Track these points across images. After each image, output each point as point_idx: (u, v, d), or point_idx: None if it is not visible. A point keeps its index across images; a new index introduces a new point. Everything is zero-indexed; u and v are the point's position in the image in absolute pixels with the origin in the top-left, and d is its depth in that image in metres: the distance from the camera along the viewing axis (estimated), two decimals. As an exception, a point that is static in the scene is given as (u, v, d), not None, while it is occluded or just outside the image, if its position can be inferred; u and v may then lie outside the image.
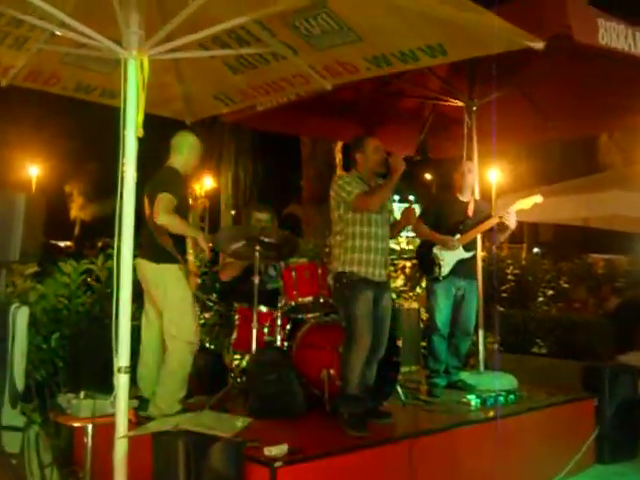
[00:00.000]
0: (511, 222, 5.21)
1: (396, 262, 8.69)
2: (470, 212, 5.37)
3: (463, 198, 5.44)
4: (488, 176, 12.91)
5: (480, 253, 5.68)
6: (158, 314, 4.28)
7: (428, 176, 32.82)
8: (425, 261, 5.41)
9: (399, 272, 8.43)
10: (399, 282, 8.24)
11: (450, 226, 5.32)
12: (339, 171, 11.41)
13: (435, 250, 5.32)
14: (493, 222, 5.26)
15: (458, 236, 5.28)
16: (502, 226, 5.26)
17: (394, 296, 7.81)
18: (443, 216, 5.39)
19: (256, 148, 21.35)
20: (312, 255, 6.87)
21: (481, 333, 5.57)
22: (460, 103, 5.91)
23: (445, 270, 5.27)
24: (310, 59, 3.94)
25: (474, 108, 5.77)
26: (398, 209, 4.59)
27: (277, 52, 3.94)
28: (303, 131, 8.54)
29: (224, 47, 3.95)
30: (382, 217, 4.38)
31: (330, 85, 4.12)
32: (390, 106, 6.59)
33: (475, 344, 5.65)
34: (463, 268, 5.32)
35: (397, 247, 9.65)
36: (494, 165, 11.46)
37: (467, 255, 5.33)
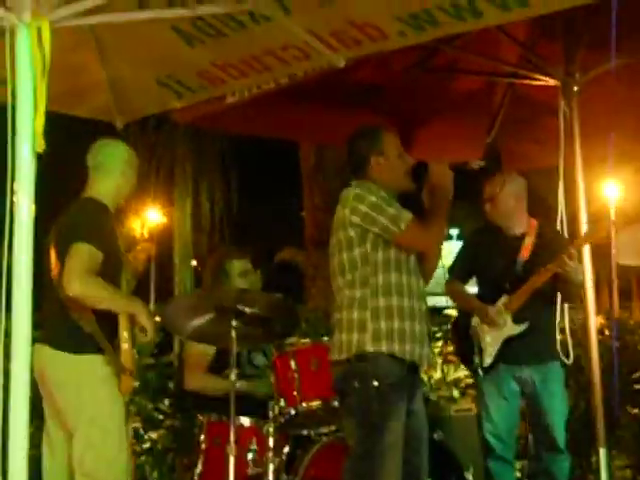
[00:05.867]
0: (571, 270, 5.06)
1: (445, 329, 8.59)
2: (525, 252, 5.31)
3: (511, 231, 5.39)
4: (601, 194, 12.87)
5: (593, 319, 5.61)
6: (67, 436, 4.24)
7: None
8: (461, 344, 5.45)
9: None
10: (463, 369, 8.15)
11: (493, 281, 5.31)
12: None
13: (474, 323, 5.31)
14: (550, 271, 5.12)
15: (504, 299, 5.22)
16: (563, 277, 5.13)
17: (456, 394, 7.74)
18: (483, 264, 5.39)
19: (228, 162, 21.36)
20: (320, 331, 6.82)
21: (603, 453, 5.46)
22: (552, 81, 5.91)
23: (488, 358, 5.24)
24: (311, 21, 3.97)
25: (575, 88, 5.75)
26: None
27: (257, 10, 3.95)
28: (301, 134, 8.48)
29: (171, 5, 3.97)
30: (413, 258, 4.33)
31: (343, 61, 4.15)
32: (439, 90, 6.62)
33: (591, 469, 5.55)
34: (521, 350, 5.24)
35: (444, 301, 9.57)
36: (610, 176, 11.43)
37: (519, 330, 5.23)
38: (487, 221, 5.47)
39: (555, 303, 5.38)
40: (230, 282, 5.38)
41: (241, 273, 5.46)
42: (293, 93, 5.48)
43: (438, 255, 4.39)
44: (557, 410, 5.30)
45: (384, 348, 4.11)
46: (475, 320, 5.30)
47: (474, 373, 5.35)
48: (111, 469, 4.15)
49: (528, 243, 5.34)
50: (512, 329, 5.23)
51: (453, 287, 5.45)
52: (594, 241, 5.22)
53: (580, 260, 5.16)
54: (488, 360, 5.24)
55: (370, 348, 4.12)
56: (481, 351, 5.24)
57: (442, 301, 8.83)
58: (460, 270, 5.45)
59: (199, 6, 3.97)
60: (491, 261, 5.37)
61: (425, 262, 4.35)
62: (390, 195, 4.32)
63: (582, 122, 5.73)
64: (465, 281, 5.45)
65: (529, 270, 5.23)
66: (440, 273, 4.72)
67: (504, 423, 5.27)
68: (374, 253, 4.18)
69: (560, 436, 5.28)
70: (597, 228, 5.21)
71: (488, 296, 5.28)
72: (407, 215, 4.16)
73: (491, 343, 5.23)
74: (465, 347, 5.37)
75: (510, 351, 5.23)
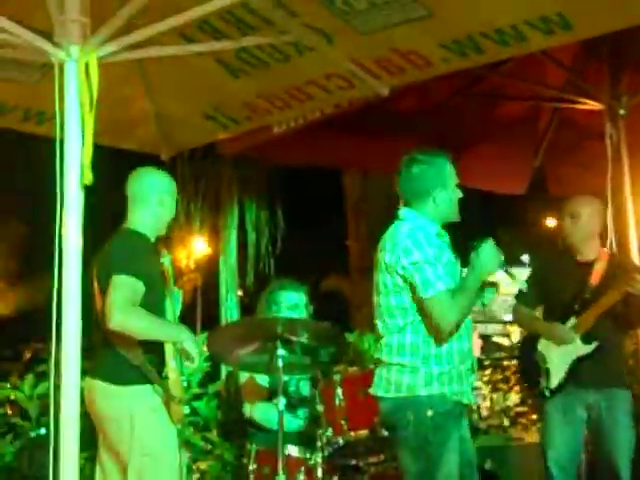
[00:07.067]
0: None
1: (506, 364, 8.60)
2: (595, 278, 5.24)
3: (583, 256, 5.33)
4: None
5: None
6: (121, 468, 4.24)
7: (551, 223, 32.56)
8: (526, 366, 5.37)
9: (512, 381, 8.32)
10: (513, 397, 8.12)
11: (562, 304, 5.23)
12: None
13: (540, 347, 5.24)
14: (620, 291, 5.00)
15: (573, 321, 5.16)
16: (634, 300, 5.01)
17: (506, 422, 7.70)
18: (552, 289, 5.31)
19: (274, 192, 21.26)
20: (367, 358, 6.80)
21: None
22: (598, 105, 5.90)
23: (555, 379, 5.16)
24: (354, 49, 3.99)
25: (621, 111, 5.73)
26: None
27: (301, 41, 3.99)
28: (345, 162, 8.54)
29: (217, 37, 4.02)
30: None
31: (387, 89, 4.16)
32: (483, 116, 6.63)
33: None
34: (589, 371, 5.10)
35: (506, 341, 9.54)
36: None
37: (588, 349, 5.14)
38: (560, 244, 5.39)
39: (622, 328, 5.34)
40: (279, 313, 5.36)
41: (291, 306, 5.42)
42: (339, 122, 5.50)
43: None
44: (621, 441, 5.13)
45: (435, 390, 4.06)
46: (541, 343, 5.21)
47: (540, 396, 5.25)
48: None
49: (599, 268, 5.23)
50: (581, 349, 5.12)
51: (520, 311, 5.38)
52: None
53: None
54: (555, 381, 5.14)
55: (423, 392, 4.05)
56: (548, 373, 5.16)
57: (489, 329, 8.77)
58: (529, 296, 5.34)
59: (243, 38, 4.01)
60: (561, 285, 5.25)
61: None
62: (438, 229, 4.24)
63: (629, 145, 5.70)
64: (534, 308, 5.35)
65: (599, 295, 5.10)
66: (489, 299, 4.61)
67: (568, 451, 5.14)
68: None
69: (624, 466, 5.08)
70: None
71: (556, 319, 5.17)
72: (439, 287, 4.00)
73: (559, 364, 5.14)
74: (531, 370, 5.29)
75: (579, 373, 5.10)
